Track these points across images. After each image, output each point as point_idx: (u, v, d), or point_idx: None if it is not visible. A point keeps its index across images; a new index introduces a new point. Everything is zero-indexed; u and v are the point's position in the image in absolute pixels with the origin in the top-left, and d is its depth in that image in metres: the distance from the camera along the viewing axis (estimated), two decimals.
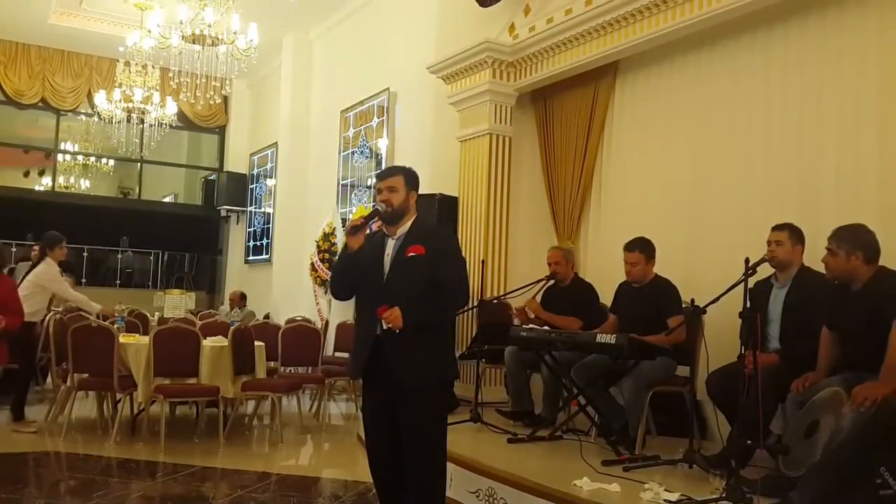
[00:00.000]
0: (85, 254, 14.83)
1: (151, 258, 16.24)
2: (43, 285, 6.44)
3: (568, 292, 5.47)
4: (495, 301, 6.04)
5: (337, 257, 7.80)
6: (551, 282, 5.53)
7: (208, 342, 6.01)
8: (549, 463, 4.20)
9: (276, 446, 5.92)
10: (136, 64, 9.61)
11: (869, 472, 2.92)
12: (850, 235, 3.57)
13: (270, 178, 12.17)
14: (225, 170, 13.60)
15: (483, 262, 6.36)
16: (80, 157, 14.64)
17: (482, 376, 5.63)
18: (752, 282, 3.68)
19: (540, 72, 6.46)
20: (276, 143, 11.86)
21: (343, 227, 8.34)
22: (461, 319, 6.45)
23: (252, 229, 12.90)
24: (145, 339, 5.89)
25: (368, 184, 9.20)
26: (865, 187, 4.45)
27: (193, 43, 7.51)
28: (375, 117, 9.19)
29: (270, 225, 12.06)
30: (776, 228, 4.11)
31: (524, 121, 7.03)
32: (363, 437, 3.66)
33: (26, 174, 15.53)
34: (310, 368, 6.94)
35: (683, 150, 5.68)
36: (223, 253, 13.93)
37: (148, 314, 8.53)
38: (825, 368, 3.67)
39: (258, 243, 12.57)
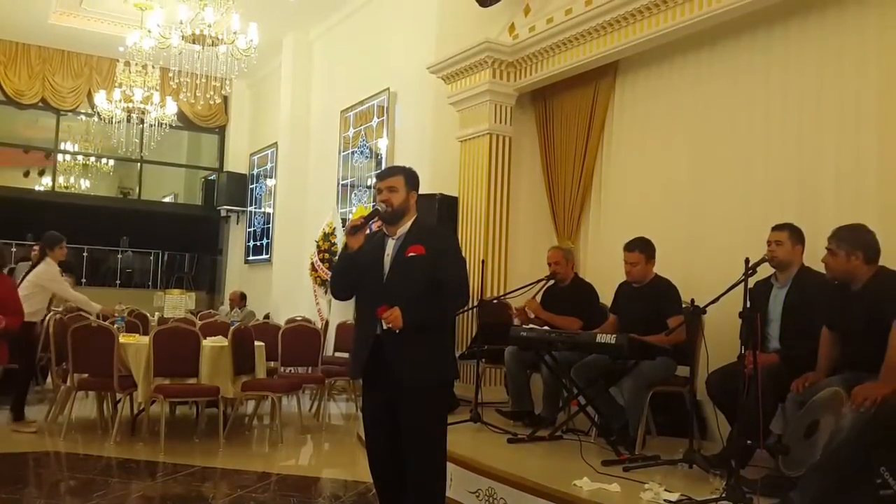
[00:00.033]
0: (85, 254, 14.84)
1: (151, 258, 16.25)
2: (43, 285, 6.44)
3: (568, 292, 5.47)
4: (495, 301, 6.04)
5: (337, 257, 7.80)
6: (551, 282, 5.53)
7: (208, 342, 6.01)
8: (549, 463, 4.20)
9: (276, 446, 5.92)
10: (136, 64, 9.61)
11: (869, 472, 2.92)
12: (850, 235, 3.58)
13: (270, 178, 12.17)
14: (225, 170, 13.60)
15: (483, 262, 6.37)
16: (80, 157, 14.64)
17: (482, 376, 5.63)
18: (752, 282, 3.68)
19: (540, 72, 6.46)
20: (276, 143, 11.86)
21: (343, 227, 8.34)
22: (461, 319, 6.45)
23: (252, 229, 12.90)
24: (145, 339, 5.89)
25: (368, 184, 9.20)
26: (865, 187, 4.46)
27: (193, 43, 7.51)
28: (375, 117, 9.19)
29: (270, 225, 12.06)
30: (776, 228, 4.11)
31: (524, 121, 7.03)
32: (363, 437, 3.66)
33: (26, 174, 15.54)
34: (310, 368, 6.94)
35: (683, 150, 5.68)
36: (223, 253, 13.93)
37: (148, 314, 8.53)
38: (825, 368, 3.67)
39: (258, 243, 12.57)
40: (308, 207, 10.90)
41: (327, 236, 9.00)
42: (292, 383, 6.28)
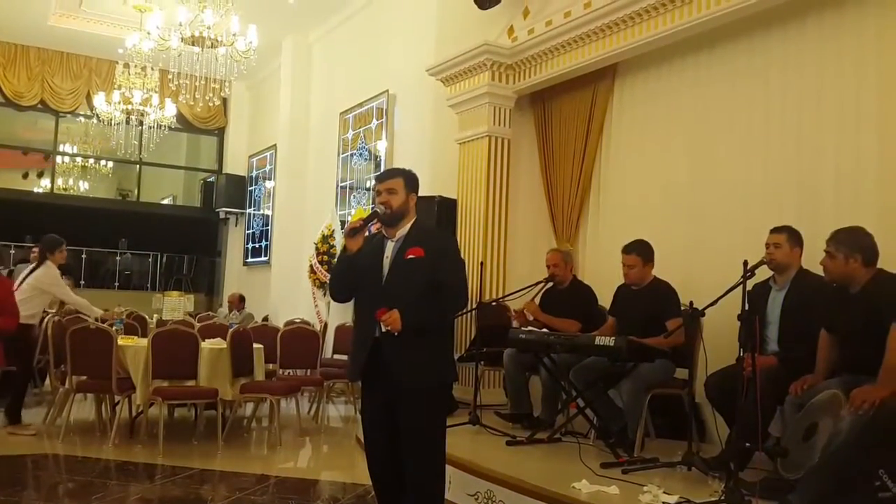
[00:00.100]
0: (84, 256, 14.85)
1: (150, 260, 16.25)
2: (43, 289, 6.42)
3: (567, 294, 5.48)
4: (494, 303, 6.04)
5: (336, 259, 7.79)
6: (550, 284, 5.54)
7: (207, 344, 6.01)
8: (547, 465, 4.19)
9: (275, 449, 5.91)
10: (136, 66, 9.62)
11: (867, 474, 2.92)
12: (849, 238, 3.58)
13: (269, 180, 12.17)
14: (224, 172, 13.60)
15: (482, 264, 6.37)
16: (78, 159, 14.64)
17: (481, 378, 5.63)
18: (750, 284, 3.69)
19: (539, 74, 6.47)
20: (275, 145, 11.86)
21: (342, 229, 8.33)
22: (460, 322, 6.45)
23: (251, 231, 12.90)
24: (144, 342, 5.87)
25: (367, 186, 9.20)
26: (865, 189, 4.46)
27: (193, 45, 7.51)
28: (374, 119, 9.20)
29: (269, 227, 12.06)
30: (775, 231, 4.11)
31: (523, 123, 7.04)
32: (362, 440, 3.66)
33: (25, 176, 15.54)
34: (308, 371, 6.94)
35: (682, 153, 5.68)
36: (222, 255, 13.93)
37: (146, 316, 8.51)
38: (823, 371, 3.67)
39: (257, 245, 12.56)
40: (307, 209, 10.90)
41: (326, 238, 8.99)
42: (291, 385, 6.27)
